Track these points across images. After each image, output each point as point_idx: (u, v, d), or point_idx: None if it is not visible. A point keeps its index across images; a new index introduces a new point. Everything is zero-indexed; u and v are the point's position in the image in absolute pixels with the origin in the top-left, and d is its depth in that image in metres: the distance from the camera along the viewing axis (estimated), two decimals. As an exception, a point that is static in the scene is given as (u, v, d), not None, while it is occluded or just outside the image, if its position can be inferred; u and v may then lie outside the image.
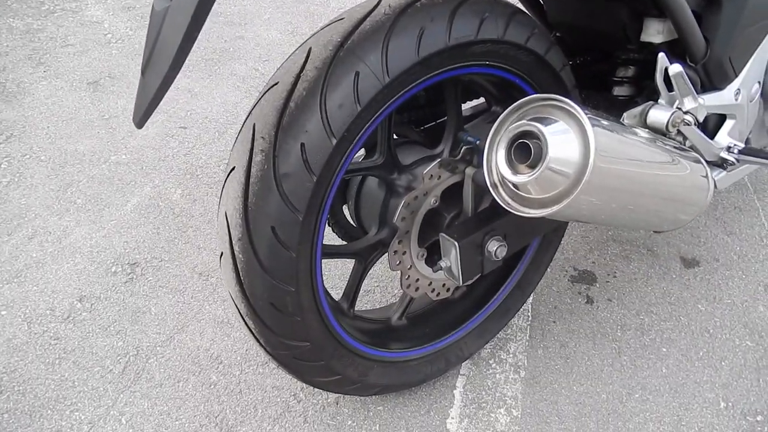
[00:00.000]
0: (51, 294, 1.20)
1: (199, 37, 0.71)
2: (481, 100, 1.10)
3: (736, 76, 1.12)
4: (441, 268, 0.89)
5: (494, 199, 0.77)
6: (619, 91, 1.14)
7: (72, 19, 2.17)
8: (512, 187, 0.70)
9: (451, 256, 0.87)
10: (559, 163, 0.65)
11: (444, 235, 0.87)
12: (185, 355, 1.11)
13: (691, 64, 1.04)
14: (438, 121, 1.05)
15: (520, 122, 0.68)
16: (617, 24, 1.02)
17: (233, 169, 0.77)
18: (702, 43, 1.00)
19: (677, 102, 0.98)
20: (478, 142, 0.90)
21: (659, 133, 0.94)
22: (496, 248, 0.88)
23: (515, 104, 0.72)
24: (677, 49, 1.02)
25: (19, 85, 1.80)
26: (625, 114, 0.94)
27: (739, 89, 1.14)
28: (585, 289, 1.34)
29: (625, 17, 1.01)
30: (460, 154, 0.91)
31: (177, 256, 1.31)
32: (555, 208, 0.67)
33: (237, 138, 0.79)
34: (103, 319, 1.16)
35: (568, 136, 0.66)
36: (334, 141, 0.73)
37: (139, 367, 1.08)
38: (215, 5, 0.69)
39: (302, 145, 0.72)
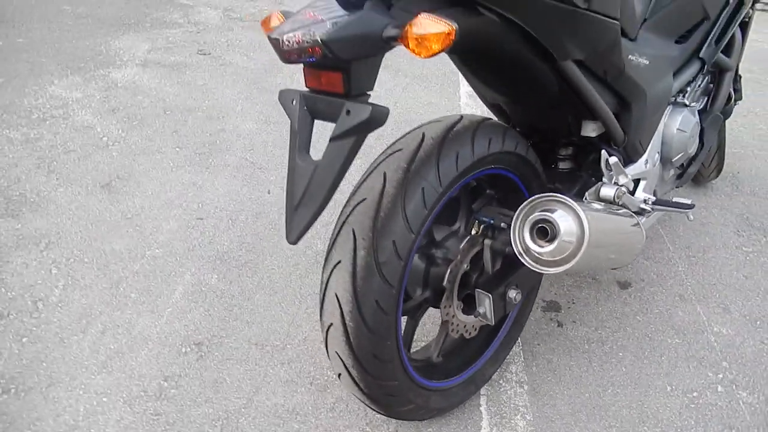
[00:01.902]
0: (139, 378, 1.43)
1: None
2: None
3: (645, 151, 1.58)
4: (479, 314, 1.25)
5: (512, 260, 1.14)
6: (563, 165, 1.57)
7: (64, 125, 2.37)
8: (536, 255, 1.07)
9: (486, 305, 1.23)
10: (567, 237, 1.03)
11: (479, 290, 1.24)
12: (267, 412, 1.38)
13: (615, 147, 1.49)
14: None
15: (538, 213, 1.06)
16: (564, 124, 1.45)
17: (339, 262, 1.08)
18: (621, 134, 1.44)
19: (614, 179, 1.42)
20: (492, 221, 1.27)
21: (608, 202, 1.37)
22: (514, 295, 1.26)
23: (530, 200, 1.10)
24: (605, 138, 1.46)
25: (39, 194, 1.99)
26: (587, 193, 1.36)
27: (647, 159, 1.60)
28: (554, 315, 1.74)
29: (569, 120, 1.43)
30: (480, 230, 1.29)
31: (232, 332, 1.58)
32: (566, 266, 1.04)
33: (335, 239, 1.11)
34: (190, 393, 1.41)
35: (569, 219, 1.04)
36: (413, 236, 1.07)
37: (233, 427, 1.34)
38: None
39: (393, 241, 1.06)
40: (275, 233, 1.94)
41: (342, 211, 1.13)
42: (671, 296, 1.84)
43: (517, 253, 1.11)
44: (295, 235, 1.02)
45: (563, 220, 1.04)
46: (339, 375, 1.18)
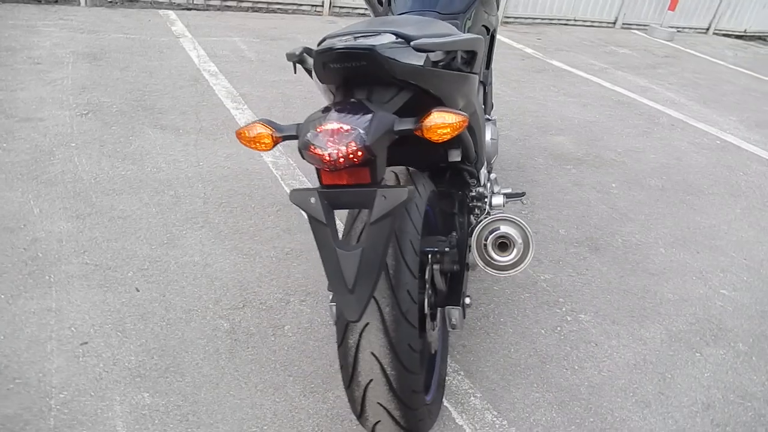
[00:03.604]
0: None
1: None
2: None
3: (483, 163, 2.04)
4: (453, 326, 1.55)
5: (457, 274, 1.47)
6: (440, 188, 1.94)
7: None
8: (500, 264, 1.40)
9: (456, 316, 1.54)
10: (520, 245, 1.39)
11: (449, 306, 1.53)
12: None
13: (469, 164, 1.91)
14: None
15: (493, 231, 1.39)
16: (439, 155, 1.80)
17: (367, 324, 1.25)
18: (474, 155, 1.87)
19: (496, 189, 1.84)
20: (437, 249, 1.56)
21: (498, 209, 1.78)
22: (469, 301, 1.58)
23: (485, 220, 1.42)
24: (464, 159, 1.86)
25: None
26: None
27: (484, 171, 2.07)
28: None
29: (441, 152, 1.79)
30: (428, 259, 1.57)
31: (204, 439, 1.55)
32: (521, 267, 1.40)
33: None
34: None
35: (515, 231, 1.40)
36: (416, 280, 1.30)
37: None
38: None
39: (408, 291, 1.28)
40: (175, 325, 1.87)
41: None
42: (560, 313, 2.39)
43: (482, 265, 1.43)
44: (358, 313, 1.16)
45: (514, 232, 1.39)
46: (375, 425, 1.34)
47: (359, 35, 1.30)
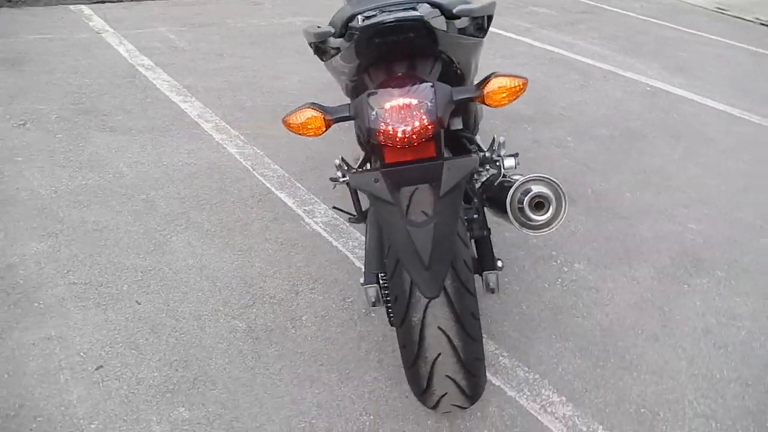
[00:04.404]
0: None
1: None
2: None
3: (478, 129, 2.07)
4: (491, 290, 1.58)
5: (486, 239, 1.50)
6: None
7: None
8: (536, 224, 1.41)
9: (493, 280, 1.55)
10: (556, 205, 1.41)
11: (486, 272, 1.55)
12: None
13: (468, 131, 1.93)
14: None
15: (532, 191, 1.40)
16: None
17: (430, 299, 1.25)
18: (473, 122, 1.89)
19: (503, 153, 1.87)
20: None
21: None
22: (501, 264, 1.61)
23: (521, 180, 1.43)
24: (465, 125, 1.87)
25: None
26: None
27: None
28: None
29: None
30: None
31: (255, 442, 1.51)
32: (556, 226, 1.44)
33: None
34: None
35: (548, 191, 1.42)
36: (468, 248, 1.31)
37: None
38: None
39: (464, 261, 1.30)
40: (190, 334, 1.79)
41: (401, 257, 1.27)
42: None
43: (518, 227, 1.45)
44: (436, 289, 1.16)
45: (547, 190, 1.41)
46: (441, 398, 1.36)
47: (392, 8, 1.26)
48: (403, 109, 1.10)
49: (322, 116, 1.19)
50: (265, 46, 4.30)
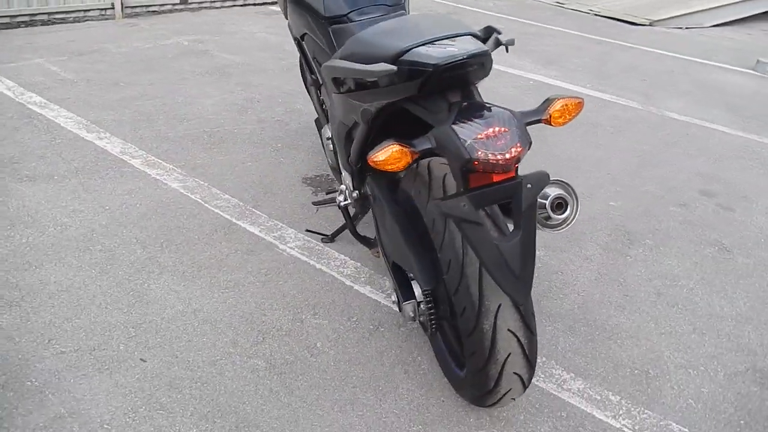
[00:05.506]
0: None
1: None
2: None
3: None
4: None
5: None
6: None
7: None
8: (555, 222, 1.58)
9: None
10: (572, 205, 1.58)
11: None
12: None
13: None
14: None
15: (551, 195, 1.55)
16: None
17: (500, 305, 1.37)
18: None
19: None
20: None
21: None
22: None
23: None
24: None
25: None
26: None
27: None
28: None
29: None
30: None
31: (322, 475, 1.52)
32: (571, 222, 1.61)
33: (482, 293, 1.37)
34: None
35: (569, 190, 1.58)
36: None
37: None
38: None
39: None
40: (212, 381, 1.73)
41: (466, 272, 1.37)
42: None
43: (539, 227, 1.61)
44: (527, 295, 1.27)
45: (564, 192, 1.57)
46: (504, 395, 1.48)
47: (443, 40, 1.34)
48: (498, 137, 1.19)
49: (409, 150, 1.25)
50: (161, 70, 4.09)
